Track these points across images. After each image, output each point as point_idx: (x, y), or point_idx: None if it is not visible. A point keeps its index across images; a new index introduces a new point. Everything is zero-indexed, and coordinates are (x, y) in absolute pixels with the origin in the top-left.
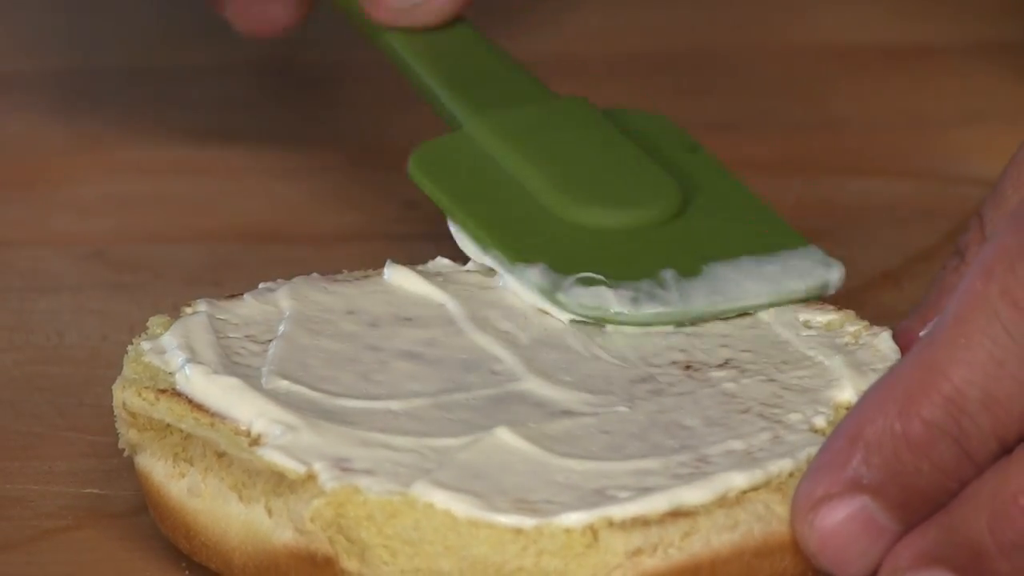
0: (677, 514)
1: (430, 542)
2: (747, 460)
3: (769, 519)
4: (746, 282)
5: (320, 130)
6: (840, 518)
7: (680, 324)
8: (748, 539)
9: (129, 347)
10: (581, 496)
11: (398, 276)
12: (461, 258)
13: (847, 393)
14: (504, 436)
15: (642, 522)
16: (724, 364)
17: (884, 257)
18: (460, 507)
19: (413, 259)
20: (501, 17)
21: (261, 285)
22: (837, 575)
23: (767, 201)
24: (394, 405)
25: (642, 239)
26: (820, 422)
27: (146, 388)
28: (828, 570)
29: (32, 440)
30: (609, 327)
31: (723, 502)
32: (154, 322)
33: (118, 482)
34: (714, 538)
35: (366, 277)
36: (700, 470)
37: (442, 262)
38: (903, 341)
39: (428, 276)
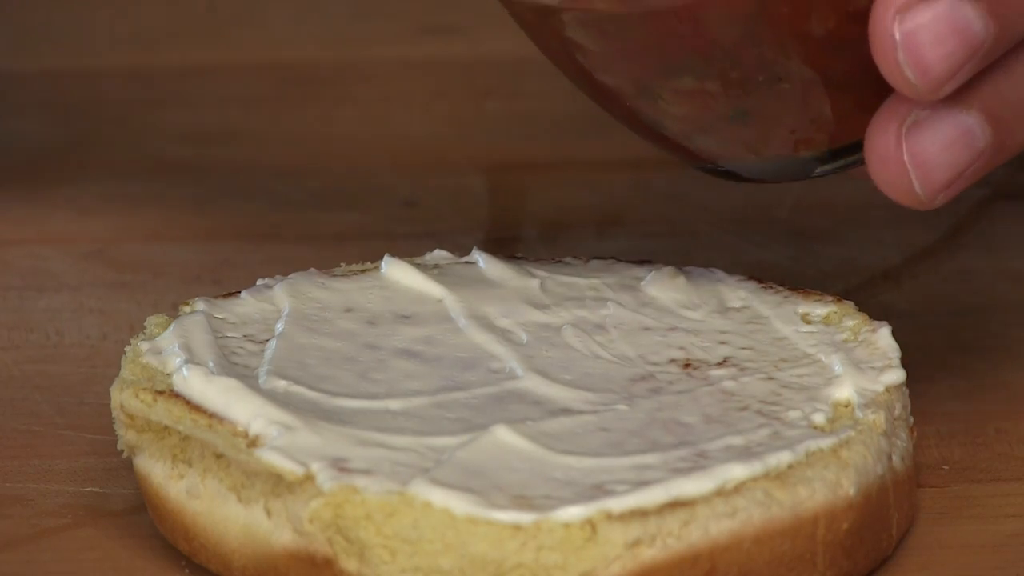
0: (675, 504)
1: (429, 540)
2: (746, 454)
3: (768, 504)
4: None
5: (320, 130)
6: (930, 17)
7: None
8: (747, 526)
9: (127, 348)
10: (579, 491)
11: (395, 270)
12: (459, 251)
13: (846, 391)
14: (503, 434)
15: (640, 513)
16: (723, 362)
17: (884, 257)
18: (458, 505)
19: (412, 258)
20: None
21: (259, 281)
22: (918, 80)
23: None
24: (392, 404)
25: None
26: (819, 419)
27: (144, 390)
28: (908, 73)
29: (31, 438)
30: (609, 327)
31: (721, 492)
32: (151, 322)
33: (118, 480)
34: (712, 526)
35: (364, 271)
36: (699, 464)
37: (440, 254)
38: None
39: (425, 269)
